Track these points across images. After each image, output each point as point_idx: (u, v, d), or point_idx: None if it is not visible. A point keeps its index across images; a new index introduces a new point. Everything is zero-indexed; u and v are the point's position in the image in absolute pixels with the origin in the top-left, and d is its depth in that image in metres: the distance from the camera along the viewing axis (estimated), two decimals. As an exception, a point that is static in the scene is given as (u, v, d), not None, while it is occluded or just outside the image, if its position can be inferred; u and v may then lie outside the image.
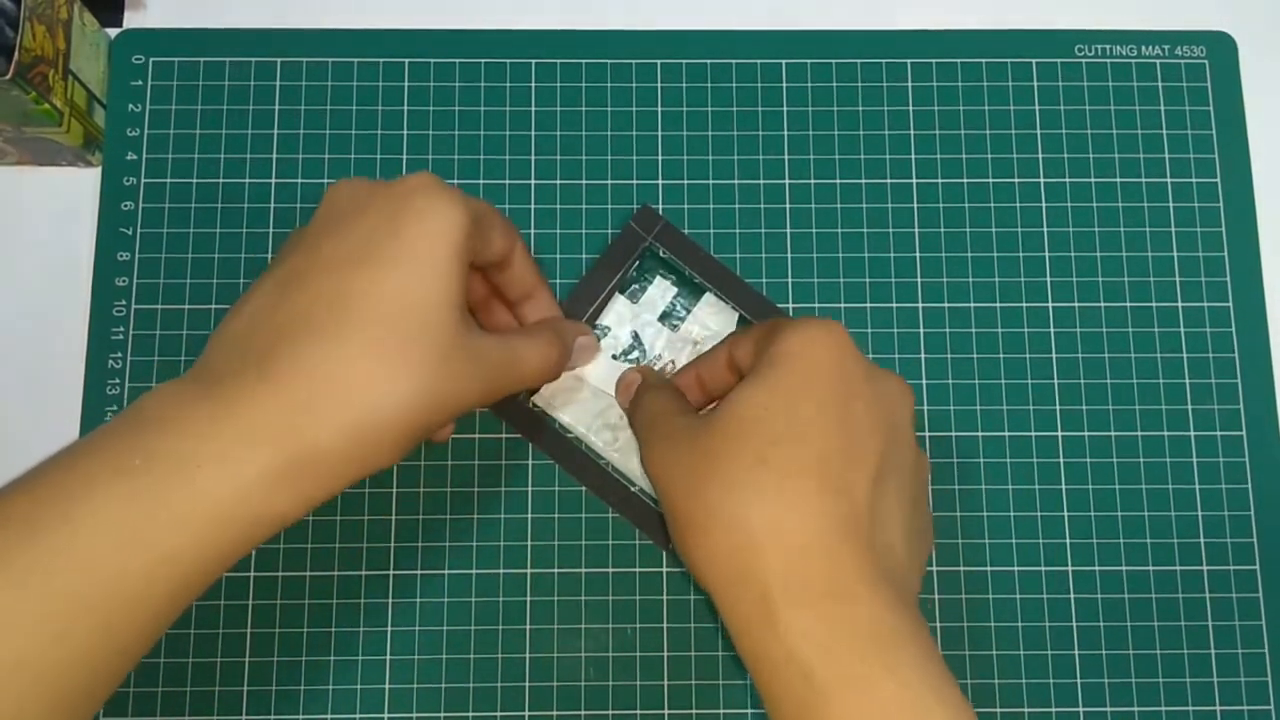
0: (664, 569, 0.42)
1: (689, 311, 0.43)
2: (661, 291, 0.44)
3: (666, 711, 0.41)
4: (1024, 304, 0.44)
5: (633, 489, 0.42)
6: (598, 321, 0.43)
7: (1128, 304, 0.44)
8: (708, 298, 0.43)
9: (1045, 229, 0.45)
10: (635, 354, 0.43)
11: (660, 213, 0.44)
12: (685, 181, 0.45)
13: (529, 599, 0.41)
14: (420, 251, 0.30)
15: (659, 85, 0.46)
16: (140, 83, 0.46)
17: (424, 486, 0.42)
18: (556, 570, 0.42)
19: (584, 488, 0.42)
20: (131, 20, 0.47)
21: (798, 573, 0.30)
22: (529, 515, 0.42)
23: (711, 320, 0.43)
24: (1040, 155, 0.46)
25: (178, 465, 0.27)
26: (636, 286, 0.44)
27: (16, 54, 0.39)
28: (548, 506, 0.42)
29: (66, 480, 0.27)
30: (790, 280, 0.44)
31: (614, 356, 0.43)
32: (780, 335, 0.34)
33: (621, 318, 0.43)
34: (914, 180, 0.45)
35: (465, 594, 0.41)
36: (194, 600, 0.28)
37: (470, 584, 0.42)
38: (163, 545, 0.27)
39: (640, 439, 0.38)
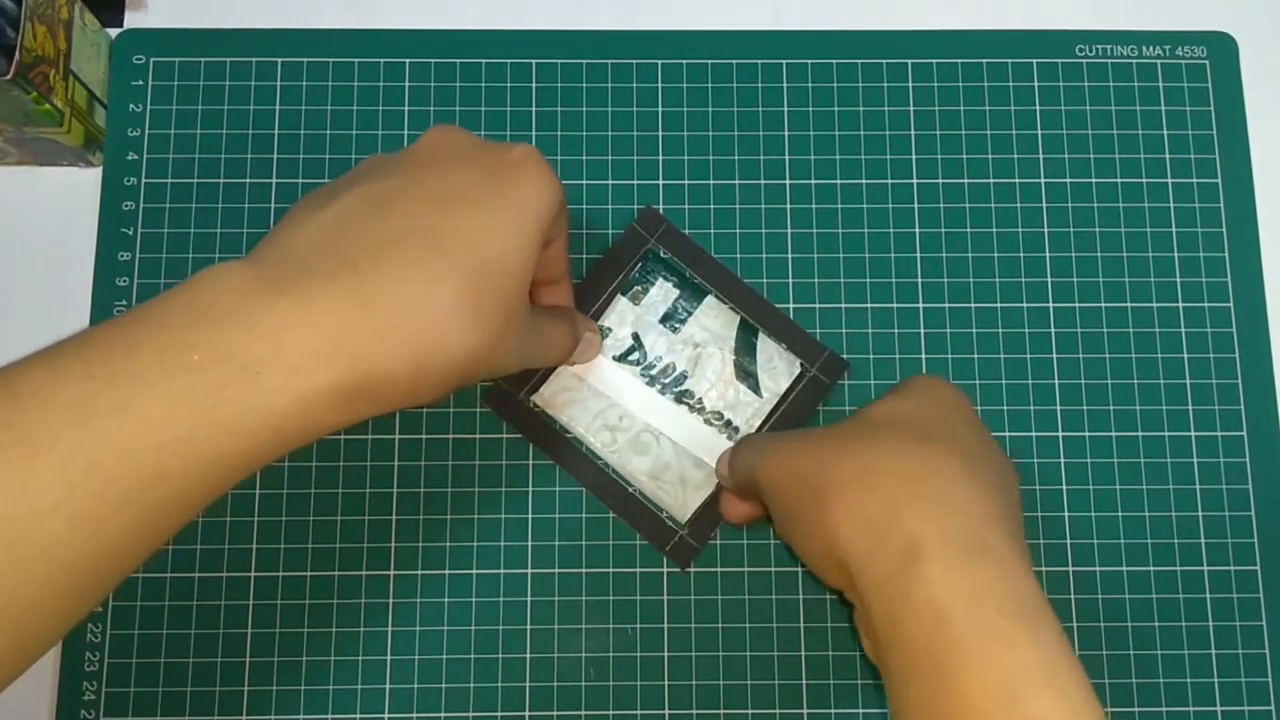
0: (664, 569, 0.42)
1: (690, 314, 0.43)
2: (663, 293, 0.44)
3: (667, 712, 0.41)
4: (1025, 304, 0.44)
5: (630, 489, 0.42)
6: (600, 322, 0.43)
7: (1128, 304, 0.44)
8: (709, 300, 0.43)
9: (1046, 229, 0.45)
10: (635, 355, 0.43)
11: (663, 214, 0.44)
12: (686, 182, 0.45)
13: (529, 599, 0.41)
14: (519, 217, 0.31)
15: (659, 85, 0.46)
16: (141, 83, 0.46)
17: (424, 486, 0.42)
18: (557, 570, 0.42)
19: (583, 488, 0.42)
20: (132, 20, 0.47)
21: (949, 527, 0.31)
22: (529, 515, 0.42)
23: (712, 323, 0.43)
24: (1041, 155, 0.46)
25: (242, 368, 0.26)
26: (639, 288, 0.44)
27: (17, 54, 0.39)
28: (548, 507, 0.42)
29: (123, 366, 0.26)
30: (791, 280, 0.44)
31: (615, 358, 0.43)
32: (908, 380, 0.38)
33: (623, 318, 0.43)
34: (914, 180, 0.45)
35: (466, 594, 0.41)
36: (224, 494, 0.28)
37: (471, 584, 0.42)
38: (210, 447, 0.26)
39: (758, 449, 0.37)
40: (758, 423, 0.43)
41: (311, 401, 0.27)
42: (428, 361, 0.29)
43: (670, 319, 0.43)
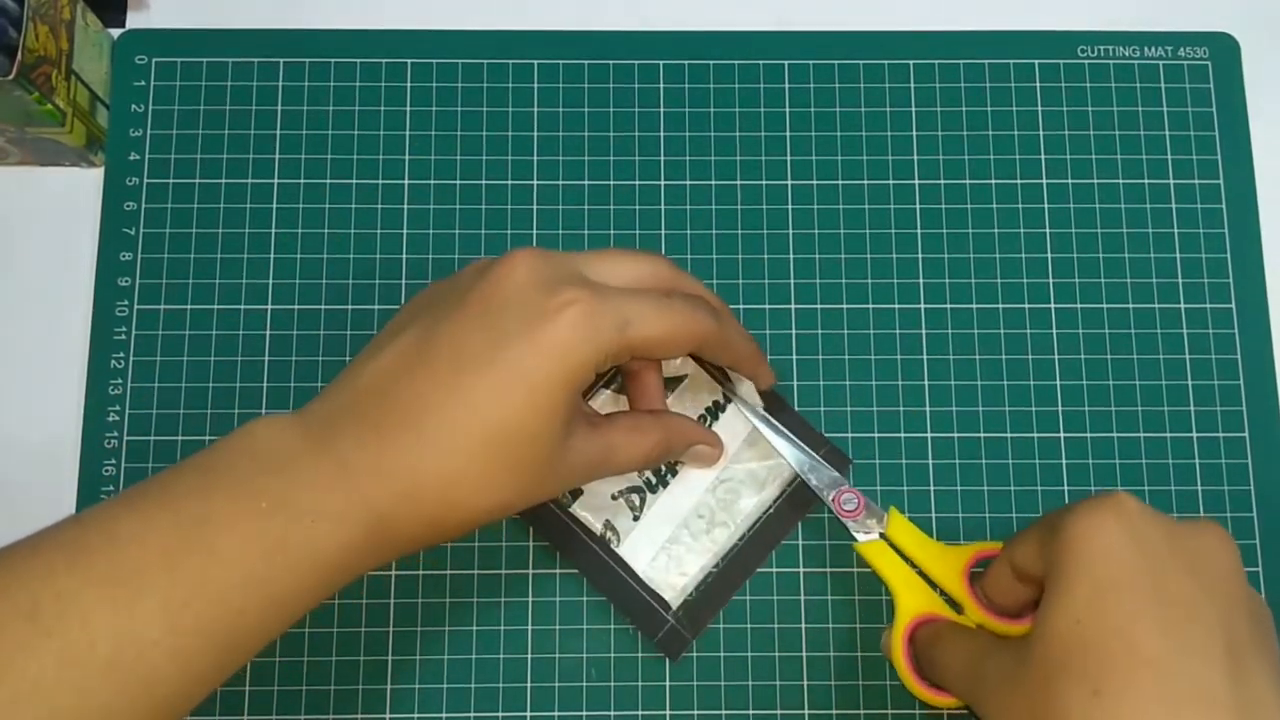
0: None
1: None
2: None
3: (669, 712, 0.41)
4: (1026, 305, 0.44)
5: (620, 571, 0.41)
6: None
7: (1130, 305, 0.44)
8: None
9: (1048, 230, 0.45)
10: None
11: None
12: (688, 182, 0.45)
13: (530, 599, 0.41)
14: (531, 382, 0.31)
15: (661, 86, 0.46)
16: (143, 83, 0.46)
17: (426, 487, 0.42)
18: (558, 571, 0.42)
19: (575, 569, 0.41)
20: (134, 20, 0.47)
21: None
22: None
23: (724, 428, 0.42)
24: (1043, 156, 0.46)
25: (299, 515, 0.29)
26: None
27: (19, 54, 0.39)
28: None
29: (203, 511, 0.29)
30: (792, 281, 0.44)
31: None
32: (1061, 536, 0.31)
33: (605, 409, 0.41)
34: (916, 181, 0.45)
35: (468, 595, 0.41)
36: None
37: (473, 584, 0.42)
38: (275, 587, 0.29)
39: (968, 699, 0.34)
40: (753, 513, 0.42)
41: (349, 549, 0.30)
42: (448, 521, 0.31)
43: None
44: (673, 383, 0.42)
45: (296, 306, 0.44)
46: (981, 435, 0.43)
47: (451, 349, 0.31)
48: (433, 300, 0.34)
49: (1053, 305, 0.44)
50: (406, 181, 0.45)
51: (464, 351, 0.31)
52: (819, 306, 0.44)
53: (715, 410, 0.42)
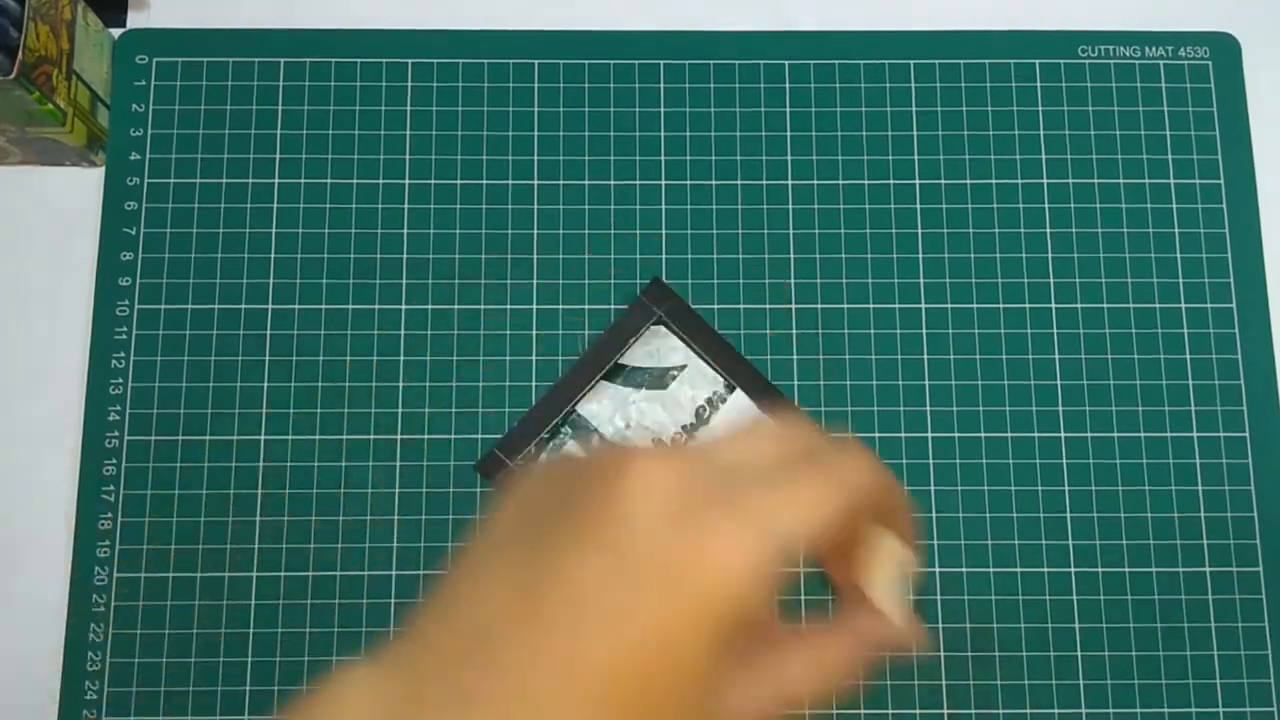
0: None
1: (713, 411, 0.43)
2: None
3: (669, 712, 0.41)
4: (1027, 305, 0.44)
5: None
6: (590, 405, 0.42)
7: (1130, 305, 0.44)
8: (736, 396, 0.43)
9: (1048, 230, 0.45)
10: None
11: (671, 288, 0.44)
12: (688, 182, 0.45)
13: (531, 599, 0.41)
14: (686, 634, 0.25)
15: (662, 86, 0.46)
16: (144, 83, 0.46)
17: (426, 488, 0.42)
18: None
19: None
20: (135, 20, 0.47)
21: None
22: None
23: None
24: (1043, 156, 0.46)
25: None
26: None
27: (20, 54, 0.39)
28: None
29: None
30: (793, 281, 0.44)
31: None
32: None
33: (612, 401, 0.42)
34: (917, 181, 0.45)
35: (467, 594, 0.41)
36: None
37: (472, 584, 0.42)
38: None
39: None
40: None
41: None
42: None
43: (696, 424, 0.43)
44: (669, 375, 0.42)
45: (296, 306, 0.44)
46: (981, 435, 0.43)
47: (567, 595, 0.25)
48: (537, 517, 0.28)
49: (1053, 305, 0.44)
50: (406, 181, 0.45)
51: (584, 599, 0.25)
52: (819, 306, 0.44)
53: (714, 402, 0.42)
